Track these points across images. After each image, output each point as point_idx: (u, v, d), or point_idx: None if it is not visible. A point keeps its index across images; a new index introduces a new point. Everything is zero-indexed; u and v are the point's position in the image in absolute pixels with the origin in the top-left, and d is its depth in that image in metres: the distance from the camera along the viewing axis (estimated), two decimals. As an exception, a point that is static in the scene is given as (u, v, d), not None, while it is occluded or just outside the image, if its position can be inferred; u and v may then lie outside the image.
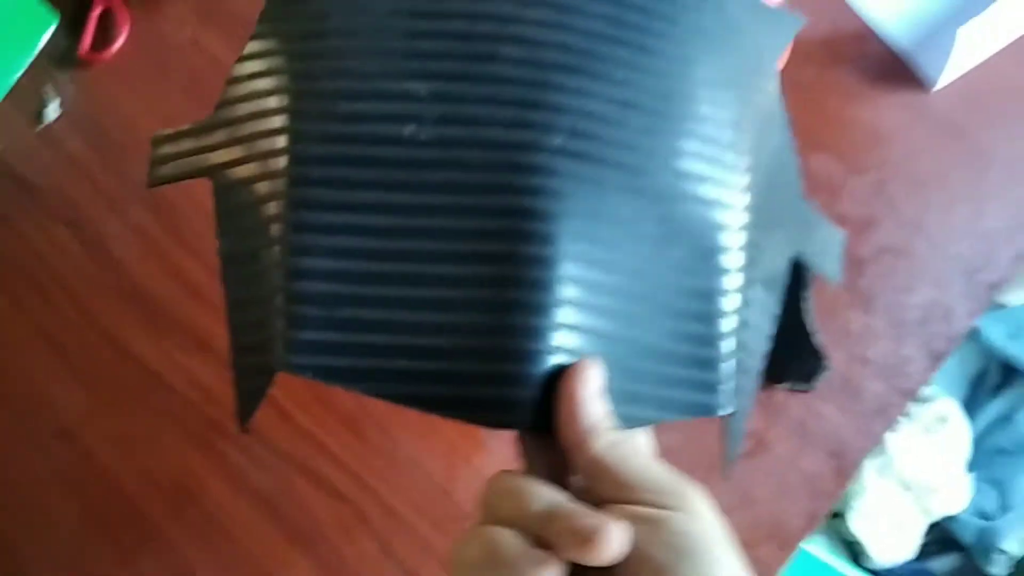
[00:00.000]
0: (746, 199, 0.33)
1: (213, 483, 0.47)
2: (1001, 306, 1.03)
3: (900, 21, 0.61)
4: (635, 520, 0.26)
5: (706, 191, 0.32)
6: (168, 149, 0.35)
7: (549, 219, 0.30)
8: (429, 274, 0.30)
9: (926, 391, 0.97)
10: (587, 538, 0.25)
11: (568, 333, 0.30)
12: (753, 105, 0.34)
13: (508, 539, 0.26)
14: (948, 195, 0.56)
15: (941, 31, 0.59)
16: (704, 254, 0.32)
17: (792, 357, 0.51)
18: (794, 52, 0.54)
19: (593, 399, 0.29)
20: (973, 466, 0.96)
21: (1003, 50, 0.60)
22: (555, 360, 0.30)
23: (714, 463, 0.49)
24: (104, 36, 0.57)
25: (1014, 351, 1.00)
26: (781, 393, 0.51)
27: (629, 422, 0.31)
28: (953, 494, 0.93)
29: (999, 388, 1.03)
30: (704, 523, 0.27)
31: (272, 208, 0.31)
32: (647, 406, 0.31)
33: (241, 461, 0.48)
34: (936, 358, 0.53)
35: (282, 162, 0.31)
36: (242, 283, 0.32)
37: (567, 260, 0.30)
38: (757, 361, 0.35)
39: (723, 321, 0.32)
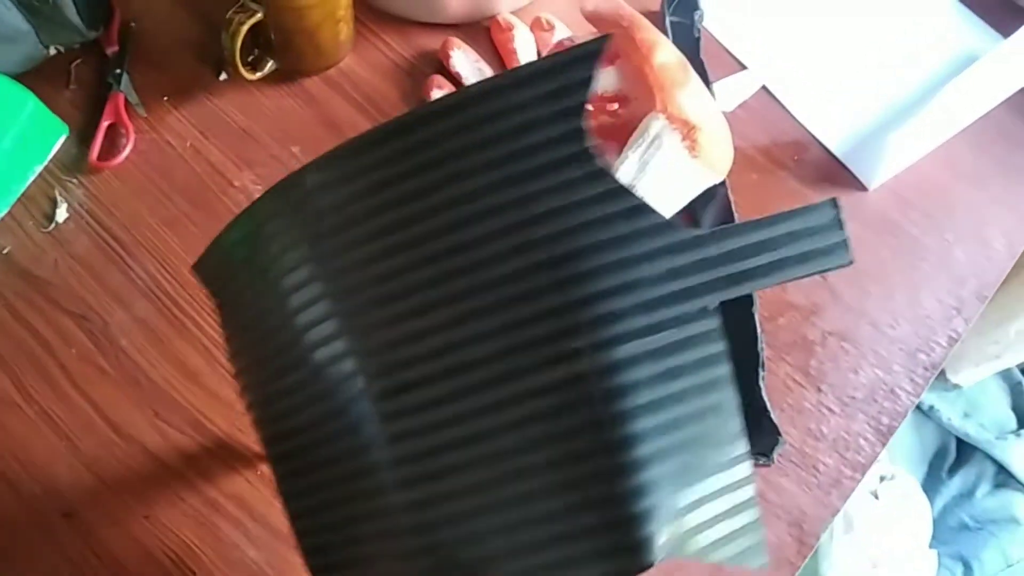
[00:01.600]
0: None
1: (209, 558, 0.50)
2: (956, 387, 1.08)
3: (836, 129, 0.67)
4: None
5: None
6: None
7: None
8: None
9: (889, 469, 1.00)
10: None
11: None
12: None
13: None
14: (886, 284, 0.61)
15: (873, 138, 0.65)
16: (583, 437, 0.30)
17: (750, 433, 0.54)
18: (740, 158, 0.60)
19: None
20: (937, 542, 0.99)
21: (931, 153, 0.66)
22: None
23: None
24: (111, 146, 0.61)
25: (969, 430, 1.04)
26: (742, 468, 0.55)
27: None
28: (919, 570, 0.95)
29: (957, 466, 1.06)
30: None
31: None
32: None
33: (235, 536, 0.50)
34: (884, 434, 0.57)
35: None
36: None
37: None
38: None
39: (626, 476, 0.30)
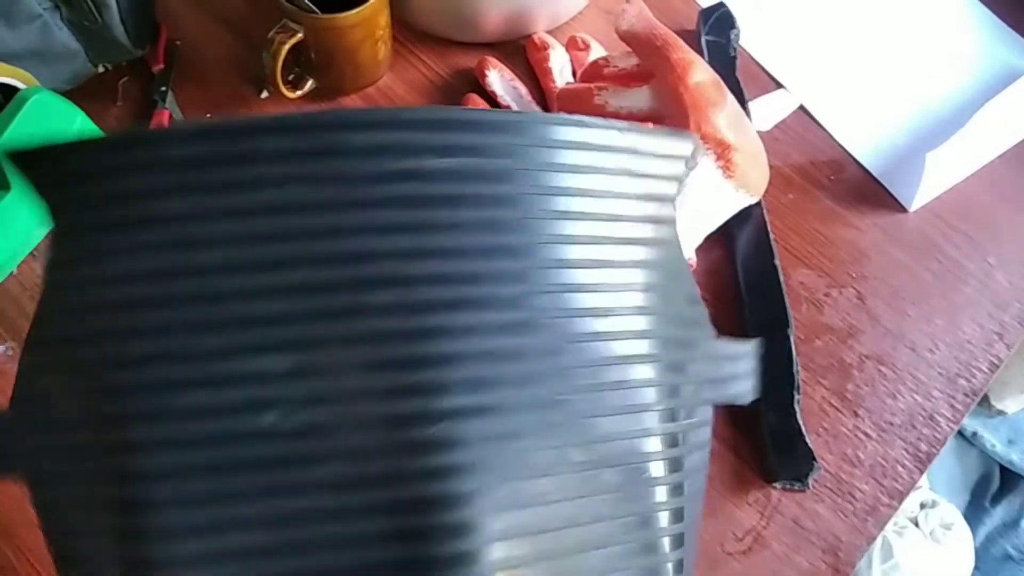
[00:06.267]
0: (666, 382, 0.28)
1: None
2: (1000, 413, 1.05)
3: (875, 148, 0.66)
4: None
5: (623, 396, 0.27)
6: None
7: (465, 504, 0.24)
8: None
9: (930, 497, 0.98)
10: None
11: None
12: (656, 258, 0.29)
13: None
14: (926, 307, 0.60)
15: (912, 157, 0.64)
16: (633, 472, 0.27)
17: (784, 457, 0.54)
18: (776, 177, 0.59)
19: None
20: (979, 572, 0.96)
21: (974, 174, 0.65)
22: None
23: (716, 556, 0.51)
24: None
25: (1013, 457, 1.02)
26: (776, 492, 0.54)
27: None
28: (960, 601, 0.93)
29: (1000, 494, 1.04)
30: None
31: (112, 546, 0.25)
32: None
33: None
34: (922, 461, 0.55)
35: (114, 491, 0.25)
36: None
37: (493, 542, 0.25)
38: (695, 522, 0.30)
39: (665, 537, 0.28)
